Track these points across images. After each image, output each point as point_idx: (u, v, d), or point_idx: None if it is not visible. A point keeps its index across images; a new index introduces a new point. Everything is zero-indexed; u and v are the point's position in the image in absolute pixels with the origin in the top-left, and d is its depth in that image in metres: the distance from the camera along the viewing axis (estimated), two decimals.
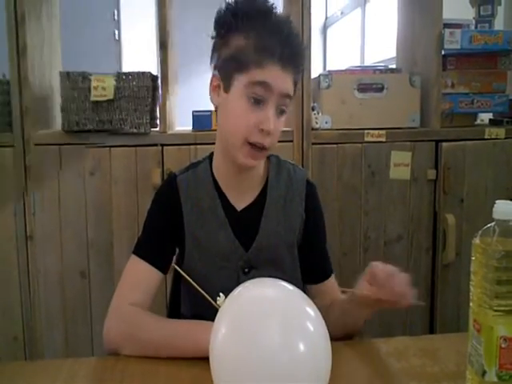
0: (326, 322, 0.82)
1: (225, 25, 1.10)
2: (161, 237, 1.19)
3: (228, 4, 1.10)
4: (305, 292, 1.22)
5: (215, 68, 1.14)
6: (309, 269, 1.24)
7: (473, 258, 0.81)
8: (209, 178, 1.20)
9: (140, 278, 1.15)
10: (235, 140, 1.09)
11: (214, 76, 1.15)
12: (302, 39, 1.12)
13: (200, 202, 1.18)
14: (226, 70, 1.10)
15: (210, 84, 1.16)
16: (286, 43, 1.05)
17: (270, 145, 1.09)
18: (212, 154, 1.23)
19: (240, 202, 1.19)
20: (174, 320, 1.18)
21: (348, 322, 1.12)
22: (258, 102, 1.06)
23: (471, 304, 0.81)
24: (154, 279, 1.15)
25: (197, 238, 1.18)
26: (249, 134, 1.07)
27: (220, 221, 1.17)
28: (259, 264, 1.17)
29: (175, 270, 1.20)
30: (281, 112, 1.09)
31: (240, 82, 1.07)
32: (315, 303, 0.83)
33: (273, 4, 1.10)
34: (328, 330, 0.81)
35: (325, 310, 0.87)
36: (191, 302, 1.21)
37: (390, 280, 0.98)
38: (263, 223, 1.18)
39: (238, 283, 1.08)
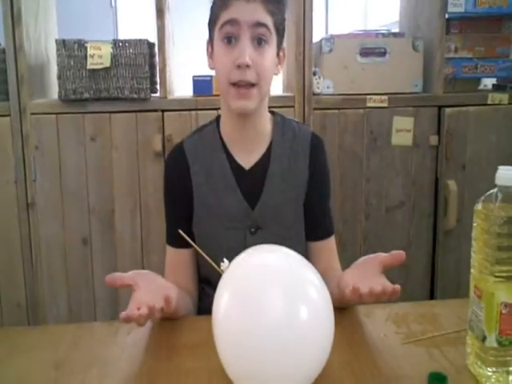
0: None
1: None
2: (179, 217, 1.21)
3: None
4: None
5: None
6: (310, 224, 1.25)
7: (474, 224, 0.81)
8: (216, 138, 1.21)
9: (174, 263, 1.24)
10: (222, 86, 1.12)
11: (206, 42, 1.19)
12: None
13: (208, 163, 1.19)
14: (209, 31, 1.16)
15: (206, 53, 1.20)
16: None
17: (255, 79, 1.09)
18: (219, 116, 1.24)
19: (247, 161, 1.20)
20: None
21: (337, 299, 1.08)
22: (230, 40, 1.09)
23: (472, 270, 0.82)
24: (186, 260, 1.22)
25: (205, 200, 1.19)
26: (229, 74, 1.09)
27: (229, 182, 1.18)
28: (265, 223, 1.18)
29: None
30: (259, 42, 1.09)
31: (216, 32, 1.11)
32: (312, 262, 0.83)
33: None
34: None
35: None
36: (200, 265, 1.24)
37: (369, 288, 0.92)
38: (267, 182, 1.18)
39: (245, 243, 1.11)
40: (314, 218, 1.24)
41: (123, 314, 0.86)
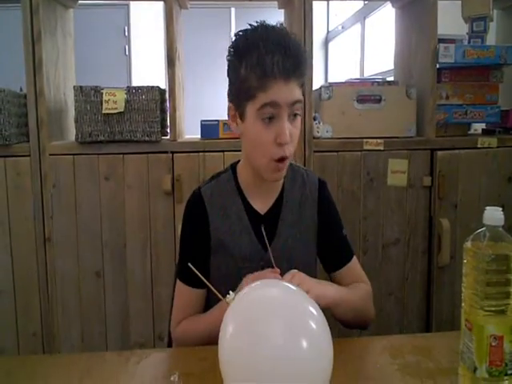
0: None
1: (229, 61, 1.12)
2: (196, 258, 1.18)
3: (234, 35, 1.12)
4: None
5: (228, 98, 1.15)
6: (328, 258, 1.28)
7: (464, 261, 0.82)
8: (233, 186, 1.22)
9: (185, 300, 1.23)
10: (261, 161, 1.11)
11: (229, 107, 1.16)
12: (304, 46, 1.10)
13: (225, 208, 1.20)
14: (238, 100, 1.12)
15: (228, 114, 1.17)
16: (285, 58, 1.04)
17: (290, 153, 1.10)
18: (233, 165, 1.26)
19: (262, 207, 1.22)
20: (204, 316, 1.19)
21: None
22: (270, 119, 1.07)
23: (463, 304, 0.82)
24: (198, 299, 1.22)
25: (222, 242, 1.19)
26: (271, 151, 1.08)
27: (244, 226, 1.20)
28: (277, 264, 1.18)
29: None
30: (294, 116, 1.09)
31: (251, 108, 1.08)
32: None
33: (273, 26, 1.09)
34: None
35: None
36: (210, 299, 1.23)
37: None
38: (280, 226, 1.21)
39: None
40: (331, 251, 1.27)
41: None
